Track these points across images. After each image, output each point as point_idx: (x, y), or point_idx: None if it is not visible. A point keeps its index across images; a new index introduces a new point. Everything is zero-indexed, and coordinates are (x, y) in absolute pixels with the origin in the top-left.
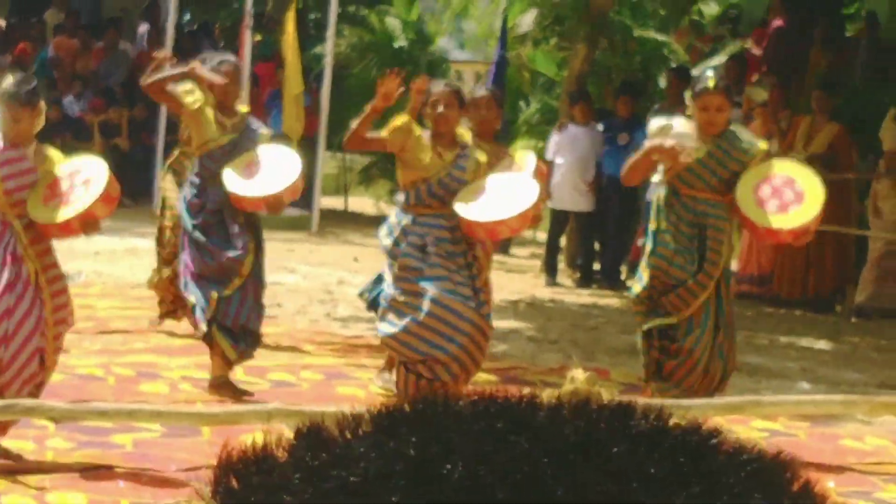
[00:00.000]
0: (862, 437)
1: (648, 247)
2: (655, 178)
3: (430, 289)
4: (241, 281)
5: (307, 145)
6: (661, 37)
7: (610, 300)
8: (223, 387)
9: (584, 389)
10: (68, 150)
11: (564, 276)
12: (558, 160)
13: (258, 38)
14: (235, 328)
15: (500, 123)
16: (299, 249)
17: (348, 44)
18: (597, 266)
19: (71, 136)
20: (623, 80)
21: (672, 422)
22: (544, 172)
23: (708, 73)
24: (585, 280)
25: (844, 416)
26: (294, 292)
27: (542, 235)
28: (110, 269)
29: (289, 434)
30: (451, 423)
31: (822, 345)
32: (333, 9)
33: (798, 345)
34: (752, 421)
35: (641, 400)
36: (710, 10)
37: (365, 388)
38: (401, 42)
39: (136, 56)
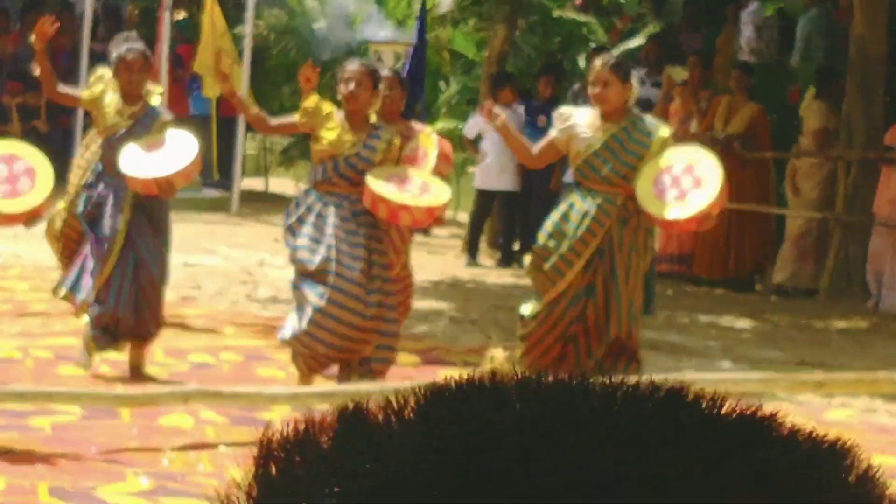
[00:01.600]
0: (783, 416)
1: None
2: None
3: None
4: (114, 259)
5: (227, 126)
6: (579, 17)
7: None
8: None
9: (502, 369)
10: None
11: (485, 257)
12: (485, 141)
13: (183, 15)
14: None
15: (403, 104)
16: (219, 231)
17: (267, 25)
18: (516, 246)
19: None
20: (545, 61)
21: (725, 408)
22: (448, 154)
23: (603, 54)
24: (506, 260)
25: (765, 394)
26: (214, 274)
27: (463, 216)
28: (29, 251)
29: (326, 416)
30: (497, 411)
31: (743, 323)
32: None
33: (719, 324)
34: None
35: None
36: None
37: (285, 370)
38: (320, 24)
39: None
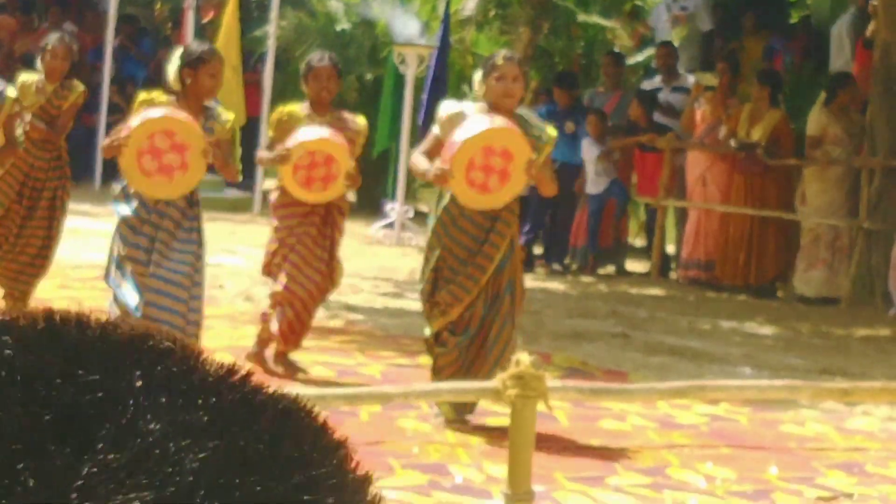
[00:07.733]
0: (803, 422)
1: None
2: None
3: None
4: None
5: (249, 127)
6: (604, 22)
7: (552, 284)
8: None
9: (527, 373)
10: None
11: None
12: None
13: (210, 16)
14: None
15: (336, 93)
16: (241, 231)
17: (290, 26)
18: (538, 250)
19: None
20: (560, 71)
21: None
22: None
23: (502, 50)
24: (527, 264)
25: (786, 401)
26: (236, 274)
27: None
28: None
29: None
30: None
31: (765, 330)
32: None
33: (741, 330)
34: (694, 406)
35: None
36: None
37: (308, 369)
38: (343, 25)
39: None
